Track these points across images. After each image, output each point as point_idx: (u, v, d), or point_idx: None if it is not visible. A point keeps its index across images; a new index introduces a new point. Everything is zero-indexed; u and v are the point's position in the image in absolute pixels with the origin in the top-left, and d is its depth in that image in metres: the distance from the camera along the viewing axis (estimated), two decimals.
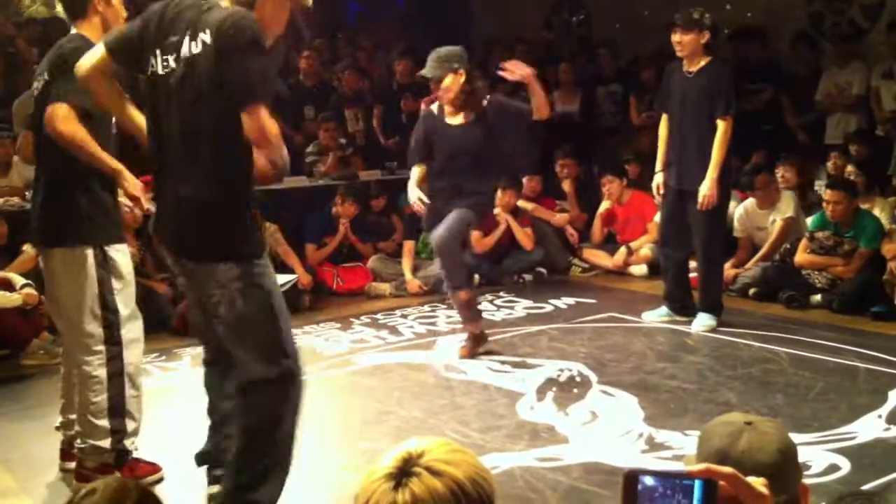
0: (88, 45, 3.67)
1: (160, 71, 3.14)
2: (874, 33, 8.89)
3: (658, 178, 6.27)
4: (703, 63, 5.99)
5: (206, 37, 3.01)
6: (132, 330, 3.90)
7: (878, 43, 8.78)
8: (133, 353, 3.89)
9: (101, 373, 3.80)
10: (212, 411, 3.63)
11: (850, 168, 7.17)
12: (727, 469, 1.31)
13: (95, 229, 3.78)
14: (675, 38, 5.97)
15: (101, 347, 3.80)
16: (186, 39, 3.06)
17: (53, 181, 3.85)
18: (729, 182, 6.18)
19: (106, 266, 3.79)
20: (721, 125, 5.89)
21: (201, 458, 3.67)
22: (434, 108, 5.59)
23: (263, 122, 2.95)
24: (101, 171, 3.75)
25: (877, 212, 6.95)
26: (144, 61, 3.18)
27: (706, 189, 5.88)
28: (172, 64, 3.10)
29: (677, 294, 6.40)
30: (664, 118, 6.26)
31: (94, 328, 3.79)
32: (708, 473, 1.30)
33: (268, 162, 3.13)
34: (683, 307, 6.36)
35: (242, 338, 3.22)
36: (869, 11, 8.97)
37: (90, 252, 3.76)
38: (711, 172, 5.88)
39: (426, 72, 5.36)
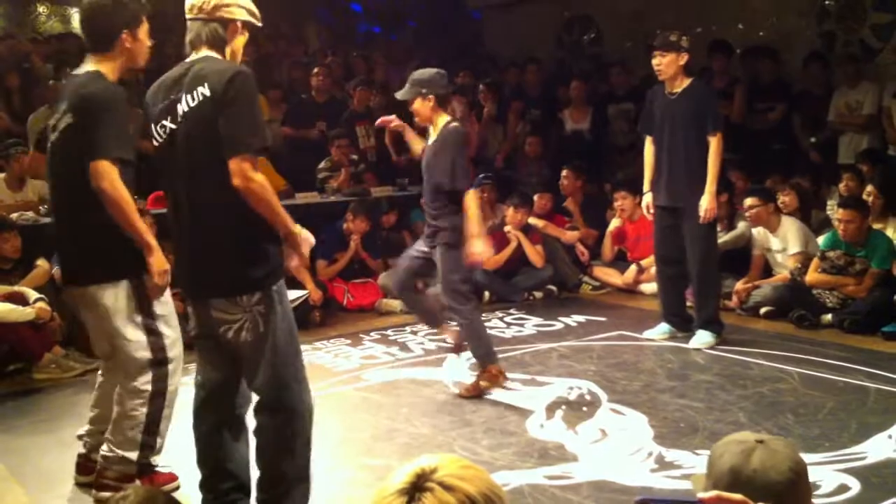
0: (109, 87, 3.75)
1: (161, 138, 3.33)
2: (885, 53, 8.90)
3: (646, 199, 6.39)
4: (685, 84, 6.10)
5: (205, 90, 3.20)
6: (176, 352, 3.96)
7: (890, 63, 8.79)
8: (176, 376, 3.97)
9: (147, 388, 3.87)
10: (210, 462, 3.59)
11: (869, 188, 7.14)
12: (737, 496, 1.33)
13: (130, 262, 3.80)
14: (655, 61, 6.09)
15: (148, 370, 3.87)
16: (183, 97, 3.25)
17: (75, 221, 3.85)
18: (717, 196, 6.29)
19: (144, 293, 3.83)
20: (713, 141, 6.01)
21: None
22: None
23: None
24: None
25: (889, 232, 6.93)
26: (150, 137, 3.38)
27: (706, 203, 5.99)
28: (170, 125, 3.27)
29: (675, 309, 6.50)
30: (648, 141, 6.38)
31: (143, 353, 3.85)
32: (718, 500, 1.31)
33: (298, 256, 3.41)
34: (684, 322, 6.45)
35: (261, 362, 3.33)
36: (880, 31, 8.97)
37: (125, 283, 3.81)
38: (710, 187, 5.99)
39: (400, 94, 5.39)
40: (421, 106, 5.28)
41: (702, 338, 6.22)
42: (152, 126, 3.36)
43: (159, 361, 3.89)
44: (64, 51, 9.64)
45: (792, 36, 9.48)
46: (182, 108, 3.25)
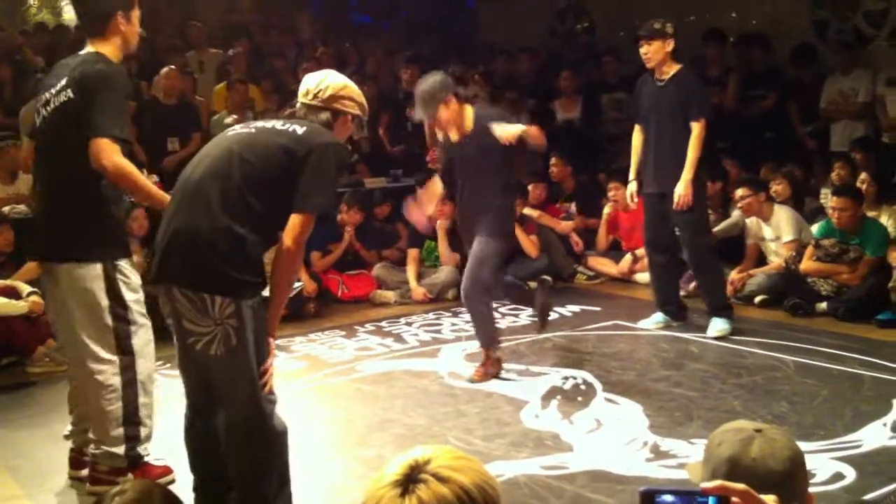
0: (112, 66, 3.76)
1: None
2: (879, 40, 8.89)
3: (632, 187, 6.39)
4: (672, 71, 6.10)
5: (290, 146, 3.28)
6: (143, 338, 3.92)
7: (883, 49, 8.78)
8: (145, 362, 3.92)
9: (116, 381, 3.83)
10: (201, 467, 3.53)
11: (863, 176, 7.15)
12: (740, 486, 1.33)
13: (105, 245, 3.80)
14: (642, 50, 6.11)
15: (114, 357, 3.83)
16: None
17: (60, 196, 3.84)
18: (705, 183, 6.34)
19: (116, 279, 3.81)
20: (695, 128, 6.01)
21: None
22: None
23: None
24: (112, 187, 3.78)
25: (883, 219, 6.94)
26: None
27: (680, 189, 6.00)
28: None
29: (669, 298, 6.51)
30: (637, 129, 6.38)
31: (107, 339, 3.82)
32: (722, 490, 1.31)
33: None
34: (679, 311, 6.47)
35: (234, 376, 3.22)
36: (873, 19, 8.97)
37: (100, 266, 3.78)
38: (686, 174, 6.00)
39: (419, 116, 5.34)
40: (447, 112, 5.18)
41: (717, 325, 6.20)
42: None
43: (124, 348, 3.84)
44: (56, 43, 9.61)
45: (785, 23, 9.47)
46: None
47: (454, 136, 5.32)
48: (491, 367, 5.44)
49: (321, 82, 3.44)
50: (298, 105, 3.46)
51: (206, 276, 3.14)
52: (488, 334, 5.46)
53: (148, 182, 3.85)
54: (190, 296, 3.15)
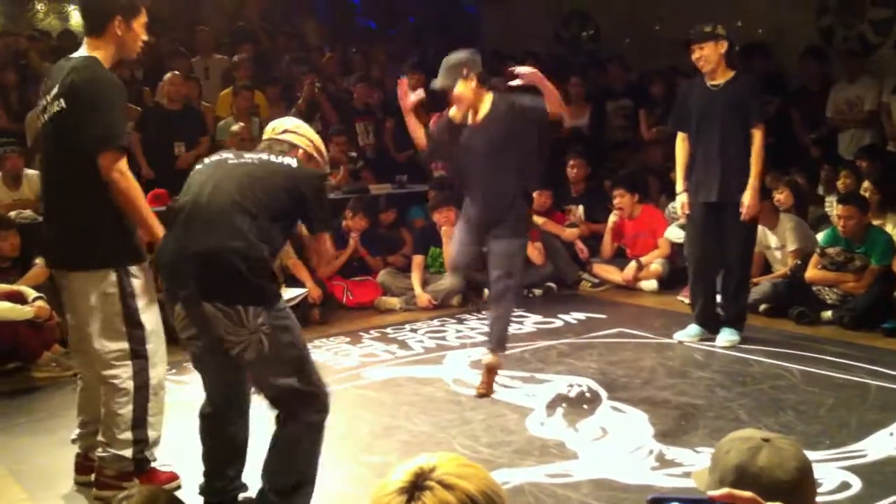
0: (100, 73, 3.73)
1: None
2: (885, 49, 8.89)
3: (682, 198, 6.14)
4: (729, 75, 5.96)
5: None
6: (156, 344, 3.94)
7: (889, 58, 8.78)
8: (157, 367, 3.94)
9: (129, 385, 3.85)
10: (214, 457, 3.77)
11: (866, 184, 7.14)
12: (748, 494, 1.33)
13: (118, 252, 3.80)
14: (695, 55, 5.93)
15: (127, 362, 3.85)
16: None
17: (67, 204, 3.84)
18: (769, 194, 6.19)
19: (129, 285, 3.81)
20: (757, 134, 5.86)
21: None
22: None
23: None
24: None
25: (889, 228, 6.93)
26: None
27: (748, 199, 5.83)
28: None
29: (710, 311, 6.28)
30: (681, 137, 6.17)
31: (120, 345, 3.83)
32: (729, 498, 1.31)
33: None
34: (716, 324, 6.27)
35: (274, 373, 3.45)
36: (879, 27, 8.97)
37: (112, 273, 3.79)
38: (753, 181, 5.83)
39: (438, 82, 5.08)
40: (464, 88, 4.95)
41: (727, 335, 6.14)
42: None
43: (137, 353, 3.85)
44: (62, 48, 9.63)
45: (791, 32, 9.47)
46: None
47: (470, 119, 5.12)
48: (495, 376, 5.35)
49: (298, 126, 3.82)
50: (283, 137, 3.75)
51: (239, 291, 3.35)
52: (505, 337, 5.32)
53: (148, 210, 3.83)
54: (225, 309, 3.34)
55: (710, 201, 6.00)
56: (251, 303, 3.34)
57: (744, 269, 6.19)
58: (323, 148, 3.85)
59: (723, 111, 5.91)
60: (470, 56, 5.03)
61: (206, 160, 3.69)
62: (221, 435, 3.72)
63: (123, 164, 3.70)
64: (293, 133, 3.76)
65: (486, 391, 5.27)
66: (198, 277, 3.37)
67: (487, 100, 5.07)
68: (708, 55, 5.89)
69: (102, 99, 3.69)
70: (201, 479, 3.78)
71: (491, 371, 5.33)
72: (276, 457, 3.53)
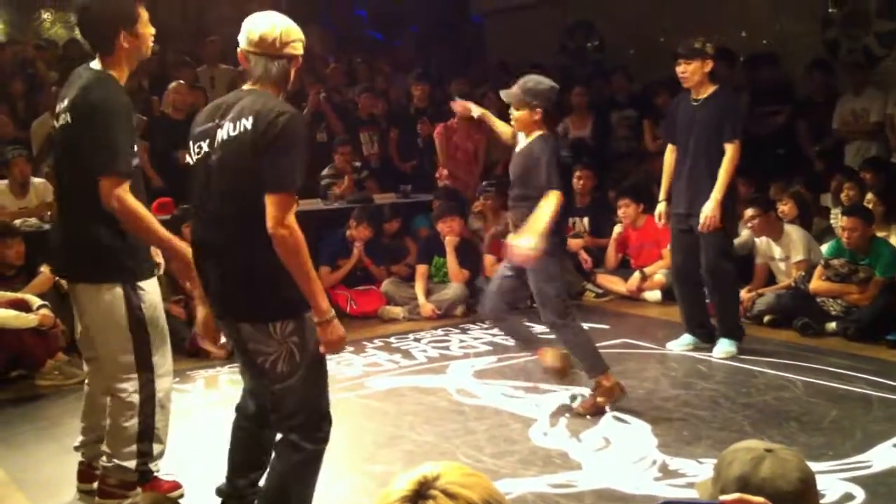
0: (110, 90, 3.67)
1: (192, 160, 3.35)
2: (889, 61, 8.90)
3: (660, 207, 6.31)
4: (710, 91, 6.02)
5: (247, 122, 3.17)
6: (163, 357, 3.93)
7: (894, 70, 8.79)
8: (164, 380, 3.93)
9: (135, 399, 3.83)
10: (241, 457, 3.67)
11: (870, 196, 7.14)
12: (759, 499, 1.32)
13: (125, 266, 3.78)
14: (679, 69, 6.01)
15: (133, 375, 3.83)
16: (226, 124, 3.23)
17: (81, 213, 3.79)
18: (734, 206, 6.22)
19: (136, 298, 3.79)
20: (729, 149, 5.92)
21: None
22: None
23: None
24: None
25: (893, 240, 6.92)
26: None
27: (708, 210, 5.90)
28: (206, 148, 3.27)
29: (698, 320, 6.36)
30: (670, 149, 6.30)
31: (127, 357, 3.81)
32: (741, 502, 1.31)
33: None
34: (708, 333, 6.33)
35: (297, 393, 3.34)
36: (884, 39, 8.98)
37: (119, 288, 3.77)
38: (716, 194, 5.90)
39: (507, 96, 5.07)
40: (527, 116, 4.99)
41: (723, 347, 6.15)
42: (190, 143, 3.34)
43: (144, 366, 3.83)
44: (68, 57, 9.67)
45: (795, 43, 9.49)
46: (221, 135, 3.22)
47: (517, 144, 5.16)
48: (602, 397, 5.09)
49: (272, 28, 3.27)
50: (251, 63, 3.30)
51: (264, 306, 3.26)
52: (591, 360, 5.11)
53: (160, 227, 3.72)
54: (255, 326, 3.27)
55: (679, 212, 6.16)
56: (280, 317, 3.26)
57: (718, 279, 6.16)
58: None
59: (699, 126, 6.01)
60: (548, 91, 4.99)
61: None
62: (258, 437, 3.62)
63: (123, 190, 3.56)
64: (291, 42, 3.36)
65: (580, 409, 5.14)
66: (225, 297, 3.33)
67: (533, 135, 5.05)
68: (691, 72, 5.96)
69: (107, 122, 3.61)
70: (222, 481, 3.68)
71: (596, 392, 5.14)
72: (272, 493, 3.43)
